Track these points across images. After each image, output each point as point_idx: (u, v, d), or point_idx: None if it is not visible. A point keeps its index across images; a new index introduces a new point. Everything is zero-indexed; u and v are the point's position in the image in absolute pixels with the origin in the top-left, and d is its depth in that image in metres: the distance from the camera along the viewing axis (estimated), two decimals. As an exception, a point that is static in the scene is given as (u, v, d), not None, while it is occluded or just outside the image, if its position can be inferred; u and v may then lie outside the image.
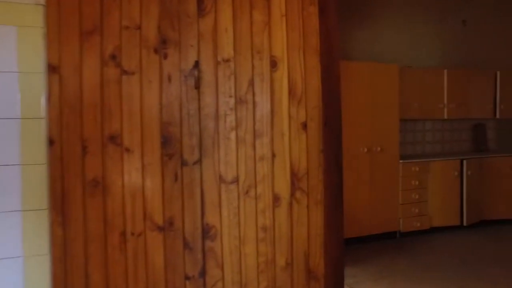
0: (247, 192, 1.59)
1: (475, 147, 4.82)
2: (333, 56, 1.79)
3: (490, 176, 4.15)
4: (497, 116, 4.47)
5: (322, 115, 1.63)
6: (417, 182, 3.86)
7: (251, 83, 1.60)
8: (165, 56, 1.53)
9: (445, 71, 4.17)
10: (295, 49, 1.65)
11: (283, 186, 1.61)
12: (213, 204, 1.56)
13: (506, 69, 4.74)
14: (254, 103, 1.60)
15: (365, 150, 3.64)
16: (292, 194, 1.62)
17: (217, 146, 1.56)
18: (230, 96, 1.58)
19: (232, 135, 1.58)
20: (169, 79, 1.54)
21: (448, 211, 3.97)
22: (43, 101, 1.41)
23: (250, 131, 1.59)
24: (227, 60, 1.59)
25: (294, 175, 1.61)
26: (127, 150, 1.49)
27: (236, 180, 1.58)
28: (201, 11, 1.55)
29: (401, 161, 3.79)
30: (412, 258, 3.26)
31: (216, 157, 1.56)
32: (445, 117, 4.20)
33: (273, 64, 1.62)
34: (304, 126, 1.62)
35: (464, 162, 3.97)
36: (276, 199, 1.61)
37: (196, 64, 1.55)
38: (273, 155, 1.60)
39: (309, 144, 1.62)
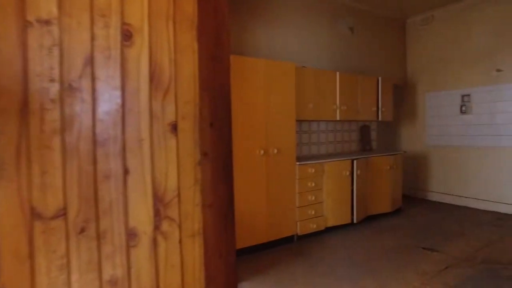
0: (82, 230, 1.02)
1: (361, 147, 5.15)
2: (220, 39, 1.36)
3: (372, 174, 4.43)
4: (379, 118, 4.83)
5: (200, 112, 1.17)
6: (313, 184, 3.80)
7: (90, 62, 1.04)
8: None
9: (337, 73, 4.26)
10: (161, 17, 1.15)
11: (142, 217, 1.09)
12: (18, 256, 0.95)
13: (386, 76, 5.19)
14: (94, 92, 1.04)
15: (262, 152, 3.38)
16: (157, 227, 1.12)
17: (27, 160, 0.96)
18: (52, 80, 0.99)
19: (55, 142, 0.99)
20: None
21: (341, 211, 4.05)
22: None
23: (88, 136, 1.03)
24: (46, 22, 0.99)
25: (158, 199, 1.11)
26: None
27: (62, 213, 1.00)
28: None
29: (297, 163, 3.67)
30: (310, 263, 3.19)
31: (23, 178, 0.95)
32: (338, 118, 4.29)
33: (127, 36, 1.09)
34: (174, 128, 1.14)
35: (355, 162, 4.11)
36: (131, 236, 1.08)
37: (-17, 23, 0.92)
38: (126, 171, 1.07)
39: (181, 154, 1.14)
